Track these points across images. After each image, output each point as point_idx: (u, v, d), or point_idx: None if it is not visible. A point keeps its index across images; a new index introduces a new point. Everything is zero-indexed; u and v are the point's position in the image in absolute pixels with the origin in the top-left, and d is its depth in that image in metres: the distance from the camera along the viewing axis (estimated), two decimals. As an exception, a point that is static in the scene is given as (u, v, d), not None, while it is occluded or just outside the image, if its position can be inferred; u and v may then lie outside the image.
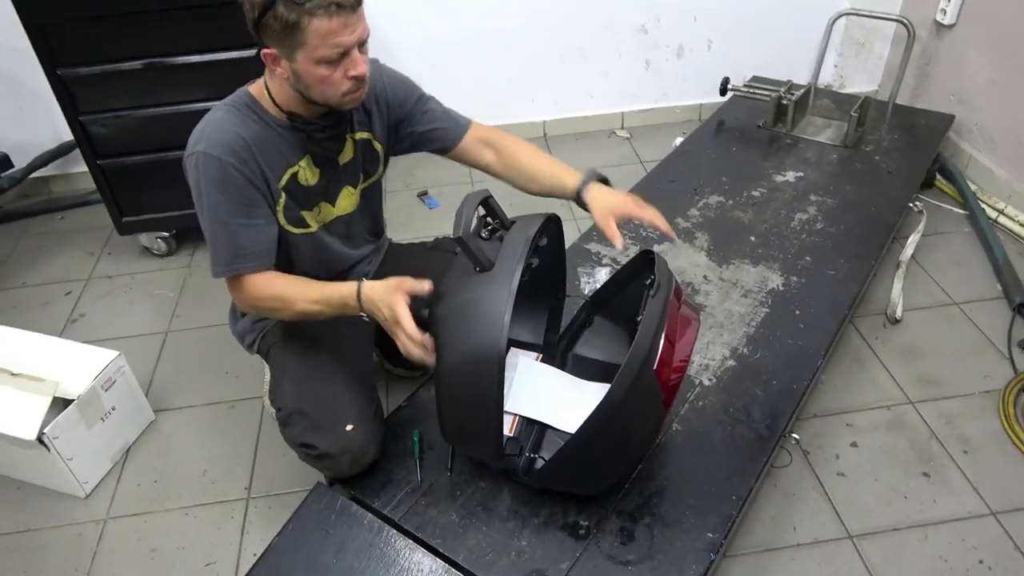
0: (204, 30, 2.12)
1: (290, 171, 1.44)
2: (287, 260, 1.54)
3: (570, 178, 1.52)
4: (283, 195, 1.44)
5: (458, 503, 1.49)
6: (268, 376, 1.97)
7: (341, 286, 1.40)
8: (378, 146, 1.57)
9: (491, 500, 1.49)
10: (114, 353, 1.85)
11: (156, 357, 2.19)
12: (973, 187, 2.62)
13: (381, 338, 1.84)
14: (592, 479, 1.41)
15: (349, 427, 1.47)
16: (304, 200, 1.50)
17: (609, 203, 1.44)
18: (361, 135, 1.53)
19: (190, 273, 2.52)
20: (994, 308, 2.18)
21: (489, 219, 1.38)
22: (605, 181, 1.52)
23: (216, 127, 1.35)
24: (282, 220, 1.47)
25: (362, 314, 1.39)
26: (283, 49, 1.26)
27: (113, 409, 1.85)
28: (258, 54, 1.30)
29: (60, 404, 1.74)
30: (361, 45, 1.29)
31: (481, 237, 1.34)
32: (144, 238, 2.57)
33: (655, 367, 1.24)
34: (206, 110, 2.07)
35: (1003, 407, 1.87)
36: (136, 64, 2.15)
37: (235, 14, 2.05)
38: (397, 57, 2.82)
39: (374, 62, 1.49)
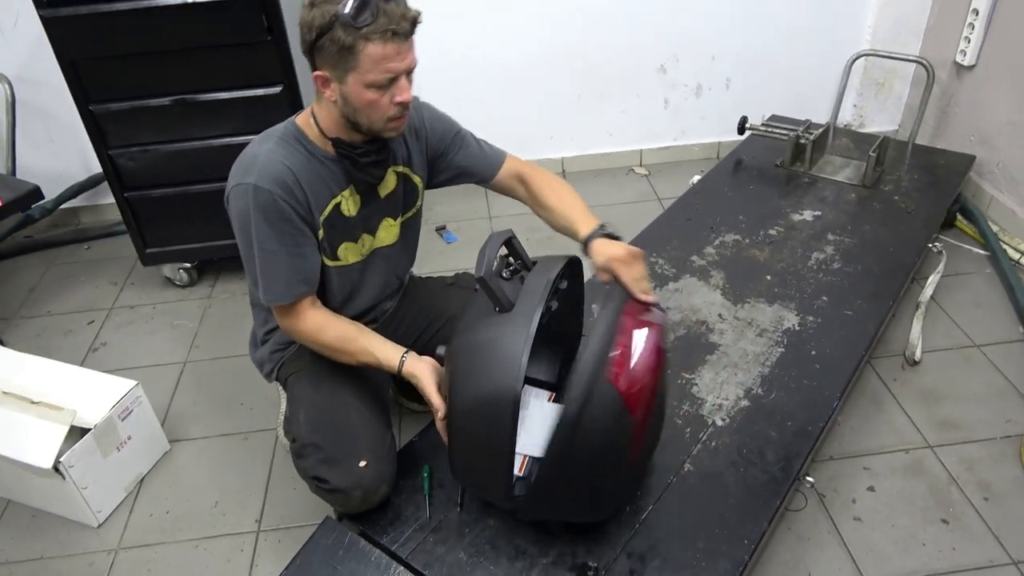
0: (229, 68, 2.19)
1: (333, 201, 1.48)
2: (321, 292, 1.56)
3: (583, 227, 1.50)
4: (322, 228, 1.47)
5: (466, 541, 1.48)
6: (283, 407, 1.98)
7: (390, 351, 1.48)
8: (416, 179, 1.61)
9: (500, 539, 1.48)
10: (131, 383, 1.88)
11: (173, 387, 2.22)
12: (995, 228, 2.59)
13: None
14: (581, 504, 1.38)
15: (362, 463, 1.47)
16: (346, 231, 1.53)
17: (609, 255, 1.42)
18: (401, 168, 1.57)
19: (210, 304, 2.56)
20: (1016, 351, 2.14)
21: (511, 259, 1.40)
22: (616, 237, 1.50)
23: (266, 159, 1.39)
24: (320, 251, 1.51)
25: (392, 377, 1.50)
26: (335, 71, 1.31)
27: (129, 439, 1.87)
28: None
29: (77, 433, 1.76)
30: (409, 73, 1.35)
31: (502, 277, 1.36)
32: (167, 269, 2.62)
33: (609, 377, 1.23)
34: (231, 145, 2.14)
35: (1026, 453, 1.83)
36: (165, 100, 2.22)
37: (259, 53, 2.15)
38: (416, 91, 2.89)
39: (414, 98, 1.53)
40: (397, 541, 1.49)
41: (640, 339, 1.30)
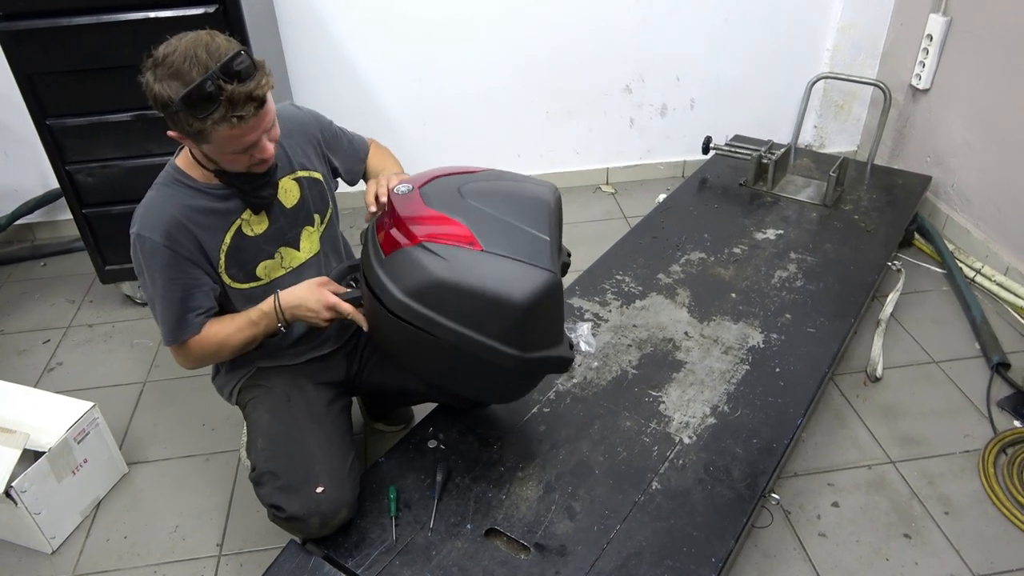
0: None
1: (233, 227, 1.46)
2: None
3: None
4: (223, 259, 1.46)
5: (433, 563, 1.46)
6: (246, 428, 1.95)
7: (261, 304, 1.48)
8: (317, 175, 1.58)
9: (467, 560, 1.46)
10: (88, 404, 1.83)
11: (132, 407, 2.16)
12: (951, 247, 2.66)
13: (359, 394, 1.84)
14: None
15: (319, 489, 1.45)
16: (259, 250, 1.51)
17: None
18: (303, 173, 1.55)
19: (171, 322, 2.51)
20: (973, 367, 2.20)
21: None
22: None
23: (146, 209, 1.41)
24: (227, 280, 1.49)
25: (280, 325, 1.48)
26: (189, 140, 1.31)
27: (85, 462, 1.82)
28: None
29: (30, 456, 1.71)
30: (267, 131, 1.34)
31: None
32: (126, 287, 2.56)
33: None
34: None
35: (983, 467, 1.86)
36: (125, 116, 2.17)
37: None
38: (384, 111, 2.89)
39: (292, 105, 1.58)
40: (362, 565, 1.46)
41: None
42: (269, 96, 1.30)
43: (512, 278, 1.30)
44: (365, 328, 1.48)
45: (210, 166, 1.40)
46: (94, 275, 2.64)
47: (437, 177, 1.46)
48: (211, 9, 2.02)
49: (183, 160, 1.43)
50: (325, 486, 1.45)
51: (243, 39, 2.10)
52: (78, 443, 1.79)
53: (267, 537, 1.77)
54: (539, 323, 1.37)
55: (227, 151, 1.31)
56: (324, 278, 1.49)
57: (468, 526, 1.53)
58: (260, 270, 1.52)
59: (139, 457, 2.01)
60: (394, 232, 1.35)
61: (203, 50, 1.21)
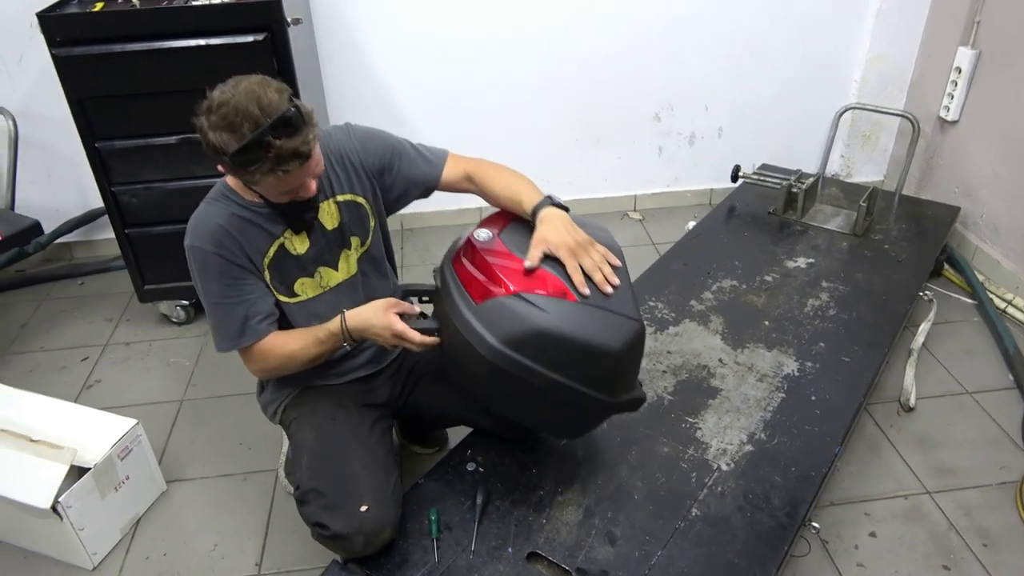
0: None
1: (276, 243, 1.51)
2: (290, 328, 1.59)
3: (529, 200, 1.51)
4: (267, 271, 1.51)
5: (476, 586, 1.47)
6: (285, 448, 1.98)
7: (328, 323, 1.52)
8: (361, 201, 1.60)
9: (510, 584, 1.47)
10: (132, 421, 1.86)
11: (170, 426, 2.19)
12: (980, 277, 2.67)
13: (399, 416, 1.86)
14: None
15: (363, 507, 1.46)
16: (299, 268, 1.55)
17: (545, 234, 1.42)
18: (344, 197, 1.57)
19: (207, 342, 2.54)
20: (1007, 398, 2.19)
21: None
22: (563, 207, 1.51)
23: (196, 221, 1.47)
24: (273, 292, 1.54)
25: (344, 344, 1.51)
26: (237, 180, 1.40)
27: (127, 479, 1.85)
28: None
29: (75, 472, 1.74)
30: (312, 174, 1.40)
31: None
32: (164, 306, 2.61)
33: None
34: None
35: (1021, 500, 1.85)
36: (171, 139, 2.23)
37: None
38: (417, 135, 2.93)
39: (344, 128, 1.59)
40: (405, 586, 1.47)
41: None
42: (316, 147, 1.35)
43: (606, 328, 1.36)
44: (420, 346, 1.47)
45: (255, 193, 1.46)
46: (131, 294, 2.69)
47: (511, 222, 1.52)
48: (260, 37, 2.08)
49: (232, 180, 1.48)
50: (369, 504, 1.47)
51: (288, 67, 2.16)
52: (121, 460, 1.82)
53: (306, 557, 1.79)
54: (628, 370, 1.45)
55: (271, 194, 1.40)
56: (392, 300, 1.50)
57: (509, 549, 1.54)
58: (298, 286, 1.56)
59: (177, 475, 2.03)
60: (484, 280, 1.39)
61: (255, 105, 1.27)
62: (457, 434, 2.00)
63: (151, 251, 2.43)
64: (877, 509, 1.86)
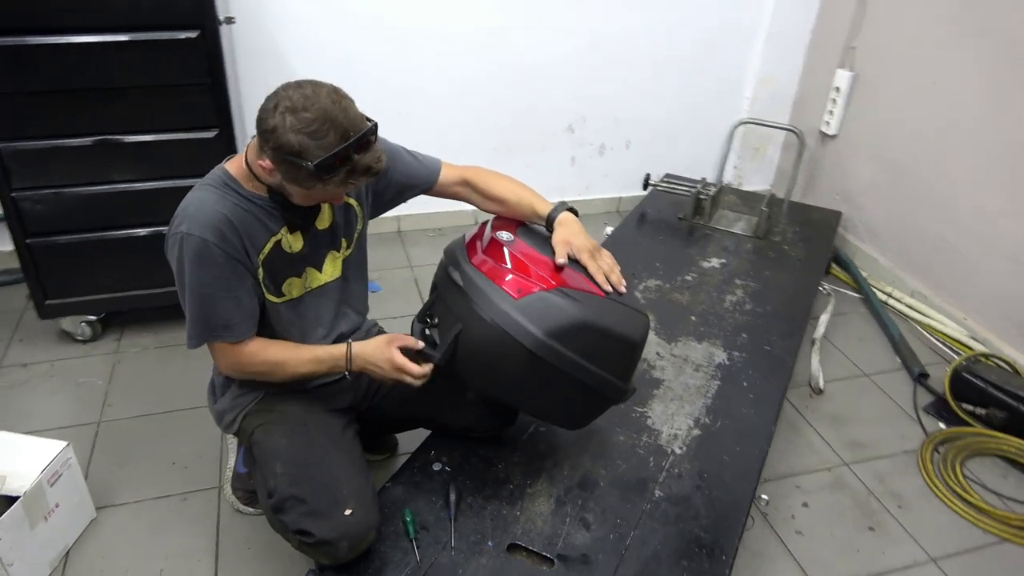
0: (161, 109, 2.10)
1: (273, 239, 1.46)
2: (271, 330, 1.53)
3: (543, 206, 1.61)
4: (261, 268, 1.46)
5: (462, 580, 1.48)
6: (232, 463, 1.88)
7: (331, 348, 1.51)
8: (353, 203, 1.60)
9: (495, 576, 1.49)
10: (61, 443, 1.71)
11: (89, 451, 2.02)
12: (864, 273, 2.97)
13: (366, 420, 1.83)
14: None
15: (348, 511, 1.43)
16: (290, 267, 1.52)
17: (567, 237, 1.53)
18: None
19: (119, 359, 2.37)
20: (898, 378, 2.46)
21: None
22: (574, 212, 1.62)
23: (198, 206, 1.38)
24: (263, 290, 1.49)
25: (346, 372, 1.51)
26: (283, 177, 1.33)
27: (57, 506, 1.69)
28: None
29: (1, 502, 1.57)
30: None
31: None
32: (67, 322, 2.40)
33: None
34: (156, 190, 2.14)
35: (922, 465, 2.09)
36: (86, 141, 2.08)
37: (195, 95, 2.09)
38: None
39: None
40: (391, 588, 1.45)
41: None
42: None
43: (629, 321, 1.48)
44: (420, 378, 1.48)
45: (270, 184, 1.40)
46: (23, 310, 2.47)
47: (519, 226, 1.59)
48: (193, 35, 1.99)
49: (235, 168, 1.42)
50: (354, 508, 1.44)
51: (219, 68, 2.08)
52: (51, 486, 1.67)
53: (263, 572, 1.71)
54: (639, 358, 1.56)
55: (305, 198, 1.38)
56: (396, 335, 1.51)
57: (489, 543, 1.56)
58: (286, 286, 1.52)
59: (106, 501, 1.88)
60: (520, 276, 1.43)
61: (342, 115, 1.26)
62: (407, 440, 1.99)
63: (56, 263, 2.24)
64: (806, 482, 2.04)
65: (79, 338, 2.42)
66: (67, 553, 1.74)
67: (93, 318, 2.41)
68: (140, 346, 2.43)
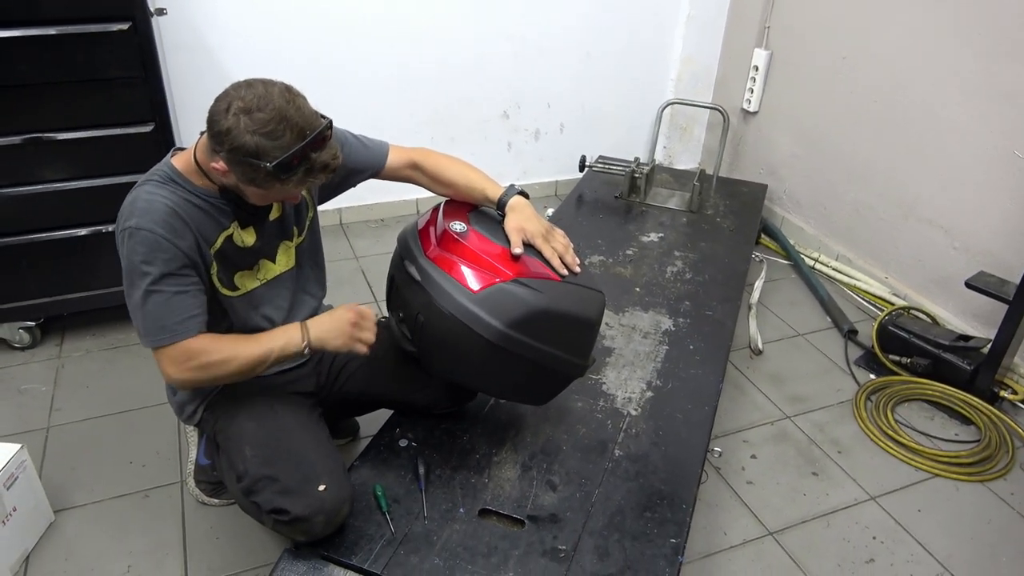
0: (93, 104, 2.05)
1: (224, 234, 1.45)
2: (228, 325, 1.53)
3: (494, 190, 1.63)
4: (215, 261, 1.45)
5: (438, 547, 1.51)
6: (193, 455, 1.87)
7: (282, 330, 1.46)
8: (304, 193, 1.60)
9: (470, 539, 1.53)
10: (15, 446, 1.67)
11: (40, 456, 1.97)
12: (791, 241, 3.14)
13: (329, 404, 1.84)
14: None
15: (321, 487, 1.45)
16: (242, 260, 1.51)
17: (520, 223, 1.54)
18: None
19: (62, 364, 2.30)
20: (829, 336, 2.62)
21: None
22: (525, 195, 1.63)
23: (147, 200, 1.35)
24: (217, 284, 1.47)
25: (304, 349, 1.45)
26: (238, 178, 1.32)
27: (14, 510, 1.65)
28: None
29: (-45, 509, 1.53)
30: None
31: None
32: (3, 329, 2.31)
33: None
34: (92, 188, 2.12)
35: (857, 413, 2.24)
36: (15, 139, 2.01)
37: (129, 89, 2.05)
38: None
39: None
40: (368, 559, 1.48)
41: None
42: None
43: (585, 301, 1.54)
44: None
45: (224, 185, 1.39)
46: (-49, 321, 2.36)
47: (470, 211, 1.61)
48: (124, 27, 1.96)
49: (182, 163, 1.40)
50: (327, 484, 1.46)
51: (152, 61, 2.05)
52: (7, 489, 1.63)
53: (234, 562, 1.71)
54: (596, 335, 1.62)
55: (260, 197, 1.38)
56: (350, 304, 1.53)
57: (461, 510, 1.60)
58: (238, 279, 1.51)
59: (64, 504, 1.84)
60: (478, 269, 1.46)
61: (297, 113, 1.25)
62: (368, 423, 2.01)
63: (-13, 267, 2.17)
64: (752, 436, 2.16)
65: (17, 345, 2.34)
66: (27, 558, 1.70)
67: (31, 324, 2.33)
68: (83, 349, 2.37)
